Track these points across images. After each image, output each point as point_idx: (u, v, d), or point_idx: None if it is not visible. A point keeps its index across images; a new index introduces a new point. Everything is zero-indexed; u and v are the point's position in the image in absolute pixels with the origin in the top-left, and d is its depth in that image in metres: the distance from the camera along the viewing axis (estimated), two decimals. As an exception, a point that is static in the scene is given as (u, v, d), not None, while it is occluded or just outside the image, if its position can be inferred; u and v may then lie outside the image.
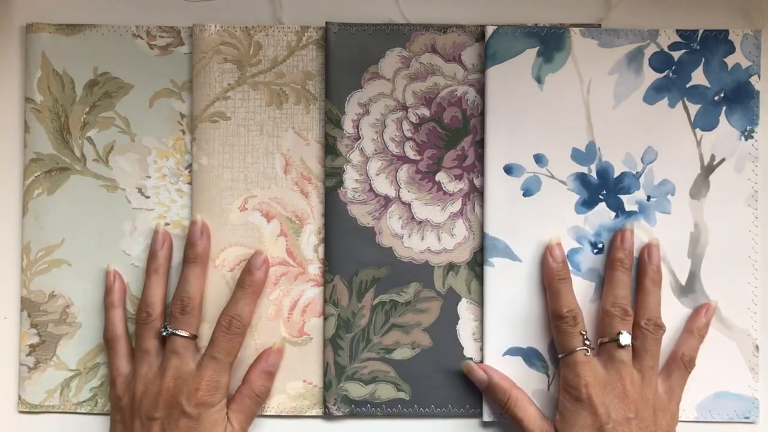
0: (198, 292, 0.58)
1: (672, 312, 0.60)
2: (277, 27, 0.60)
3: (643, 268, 0.59)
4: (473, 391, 0.60)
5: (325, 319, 0.60)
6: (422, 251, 0.60)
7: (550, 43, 0.60)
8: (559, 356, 0.57)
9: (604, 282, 0.59)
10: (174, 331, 0.57)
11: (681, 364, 0.58)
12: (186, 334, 0.57)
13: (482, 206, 0.60)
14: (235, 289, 0.58)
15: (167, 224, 0.61)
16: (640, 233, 0.60)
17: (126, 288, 0.60)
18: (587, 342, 0.56)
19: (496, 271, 0.59)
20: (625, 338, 0.56)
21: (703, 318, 0.59)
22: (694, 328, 0.59)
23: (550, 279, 0.58)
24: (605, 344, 0.57)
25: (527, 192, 0.60)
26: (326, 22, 0.60)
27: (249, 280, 0.58)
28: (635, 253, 0.59)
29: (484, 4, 0.62)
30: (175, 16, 0.61)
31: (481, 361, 0.60)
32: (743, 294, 0.60)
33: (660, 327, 0.57)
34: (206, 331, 0.59)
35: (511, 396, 0.57)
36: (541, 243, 0.59)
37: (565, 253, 0.59)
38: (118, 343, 0.58)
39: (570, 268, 0.59)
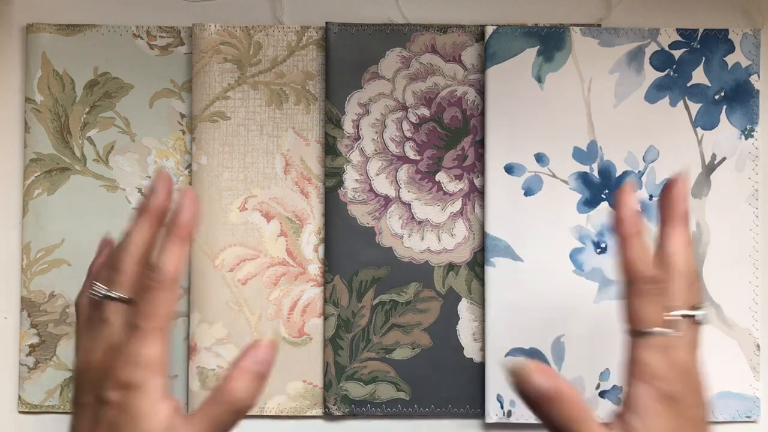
0: (136, 249, 0.44)
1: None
2: (277, 27, 0.61)
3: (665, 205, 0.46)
4: (473, 391, 0.60)
5: (325, 319, 0.60)
6: (422, 251, 0.60)
7: (551, 42, 0.60)
8: (636, 334, 0.43)
9: (659, 240, 0.46)
10: (102, 291, 0.44)
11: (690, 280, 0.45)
12: (116, 296, 0.44)
13: (482, 206, 0.60)
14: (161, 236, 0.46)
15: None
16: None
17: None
18: (679, 314, 0.43)
19: (497, 271, 0.59)
20: (703, 312, 0.44)
21: (676, 196, 0.45)
22: (678, 214, 0.45)
23: (625, 231, 0.44)
24: (681, 319, 0.43)
25: (528, 191, 0.60)
26: (326, 22, 0.60)
27: (173, 225, 0.44)
28: None
29: (484, 4, 0.62)
30: (175, 16, 0.61)
31: (483, 363, 0.59)
32: (744, 293, 0.60)
33: (698, 279, 0.47)
34: (206, 329, 0.59)
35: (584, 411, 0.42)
36: (542, 243, 0.59)
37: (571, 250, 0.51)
38: (79, 307, 0.47)
39: (573, 268, 0.59)
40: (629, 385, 0.42)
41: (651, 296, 0.43)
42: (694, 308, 0.43)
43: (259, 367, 0.43)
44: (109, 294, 0.44)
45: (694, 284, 0.44)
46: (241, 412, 0.43)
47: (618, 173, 0.60)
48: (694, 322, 0.43)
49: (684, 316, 0.43)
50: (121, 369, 0.41)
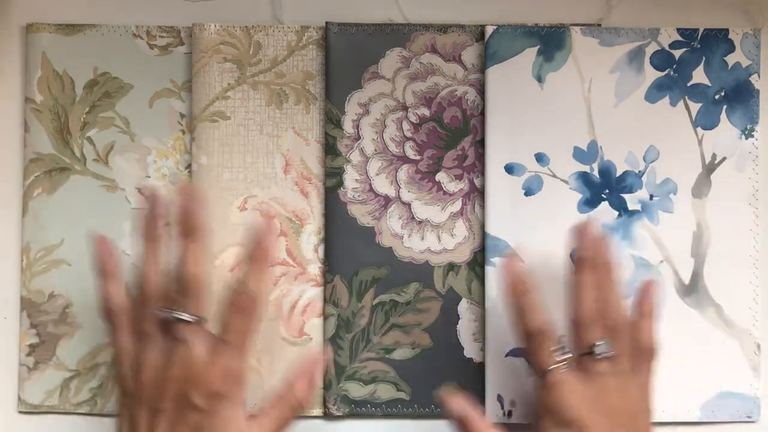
0: (200, 271, 0.50)
1: (677, 312, 0.59)
2: (277, 27, 0.60)
3: (599, 259, 0.53)
4: (473, 392, 0.59)
5: (325, 319, 0.60)
6: (422, 251, 0.60)
7: (551, 42, 0.60)
8: (534, 377, 0.53)
9: (569, 287, 0.54)
10: (178, 316, 0.50)
11: (645, 354, 0.53)
12: (189, 319, 0.50)
13: (483, 206, 0.60)
14: (242, 261, 0.52)
15: (167, 224, 0.60)
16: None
17: (119, 256, 0.54)
18: (565, 356, 0.51)
19: (497, 271, 0.59)
20: (602, 348, 0.51)
21: (649, 297, 0.54)
22: (646, 311, 0.54)
23: (512, 295, 0.53)
24: (581, 357, 0.51)
25: (528, 191, 0.60)
26: (326, 22, 0.60)
27: (257, 251, 0.51)
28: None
29: (484, 4, 0.62)
30: (175, 16, 0.61)
31: (483, 363, 0.59)
32: (745, 293, 0.60)
33: (629, 323, 0.53)
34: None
35: None
36: (542, 243, 0.59)
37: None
38: (117, 316, 0.52)
39: (573, 268, 0.59)
40: (539, 421, 0.51)
41: (537, 346, 0.51)
42: (588, 347, 0.51)
43: (316, 378, 0.53)
44: (183, 317, 0.50)
45: (590, 326, 0.52)
46: (300, 412, 0.51)
47: (618, 173, 0.60)
48: (595, 359, 0.51)
49: (570, 357, 0.51)
50: (215, 380, 0.48)
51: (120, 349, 0.52)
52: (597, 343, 0.51)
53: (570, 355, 0.51)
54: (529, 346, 0.52)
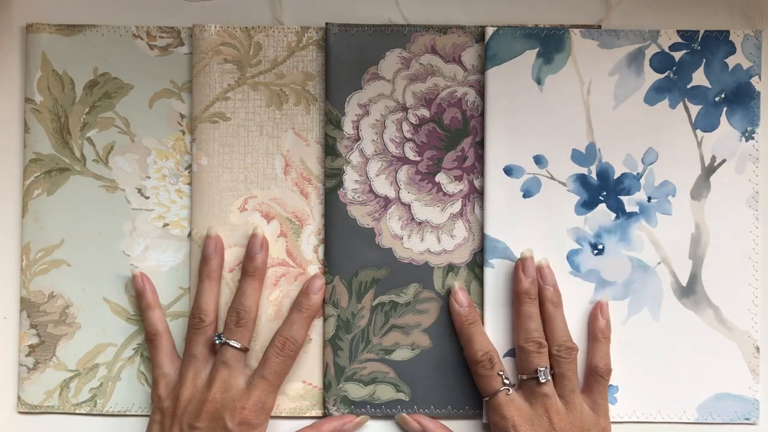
0: (254, 306, 0.57)
1: (674, 314, 0.60)
2: (277, 27, 0.60)
3: (540, 292, 0.58)
4: (473, 393, 0.60)
5: (324, 319, 0.60)
6: (422, 252, 0.60)
7: (550, 44, 0.60)
8: (484, 399, 0.58)
9: (514, 316, 0.58)
10: (227, 341, 0.56)
11: (597, 376, 0.58)
12: (239, 346, 0.56)
13: (482, 207, 0.60)
14: (290, 310, 0.58)
15: (166, 225, 0.61)
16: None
17: (154, 287, 0.60)
18: (506, 381, 0.57)
19: (496, 272, 0.59)
20: (544, 375, 0.56)
21: (601, 320, 0.59)
22: (598, 333, 0.59)
23: (460, 325, 0.58)
24: (526, 380, 0.57)
25: (527, 193, 0.60)
26: (326, 23, 0.60)
27: (306, 304, 0.58)
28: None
29: (484, 5, 0.62)
30: (175, 17, 0.61)
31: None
32: (744, 295, 0.60)
33: (572, 349, 0.57)
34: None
35: None
36: (540, 244, 0.59)
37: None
38: (160, 340, 0.58)
39: (570, 269, 0.59)
40: None
41: (482, 373, 0.57)
42: (531, 373, 0.56)
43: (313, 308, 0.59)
44: (233, 344, 0.56)
45: (533, 352, 0.56)
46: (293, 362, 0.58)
47: (616, 175, 0.60)
48: (539, 382, 0.56)
49: (510, 383, 0.57)
50: (249, 410, 0.55)
51: (159, 370, 0.58)
52: (539, 369, 0.56)
53: (510, 381, 0.57)
54: (476, 373, 0.58)
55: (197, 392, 0.56)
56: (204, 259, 0.59)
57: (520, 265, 0.58)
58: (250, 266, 0.58)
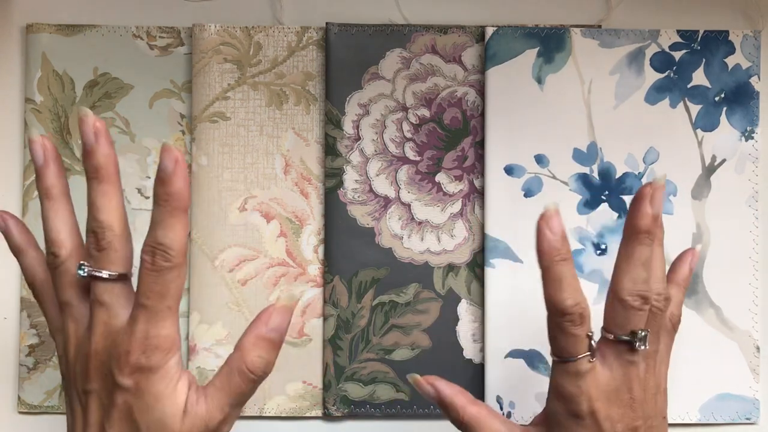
0: (115, 217, 0.42)
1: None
2: (277, 27, 0.60)
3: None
4: (473, 393, 0.59)
5: (324, 319, 0.60)
6: (422, 252, 0.60)
7: (551, 43, 0.60)
8: (554, 359, 0.46)
9: (618, 256, 0.46)
10: (92, 272, 0.42)
11: (669, 324, 0.48)
12: (107, 275, 0.42)
13: (482, 207, 0.60)
14: (152, 209, 0.42)
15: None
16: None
17: (27, 227, 0.48)
18: (593, 344, 0.44)
19: (496, 272, 0.59)
20: (643, 342, 0.44)
21: (687, 266, 0.50)
22: (680, 280, 0.49)
23: (549, 260, 0.44)
24: (614, 341, 0.45)
25: (528, 193, 0.60)
26: (326, 23, 0.60)
27: (164, 193, 0.41)
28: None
29: (484, 5, 0.62)
30: (175, 16, 0.61)
31: (482, 364, 0.59)
32: (744, 295, 0.60)
33: (669, 300, 0.47)
34: (206, 330, 0.59)
35: (466, 414, 0.48)
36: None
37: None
38: (41, 289, 0.46)
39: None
40: (548, 401, 0.46)
41: (566, 329, 0.44)
42: (626, 334, 0.45)
43: (273, 334, 0.43)
44: (100, 274, 0.42)
45: (635, 309, 0.45)
46: (256, 381, 0.43)
47: (618, 174, 0.60)
48: (631, 347, 0.45)
49: (598, 345, 0.45)
50: (135, 352, 0.41)
51: (50, 324, 0.46)
52: (640, 332, 0.45)
53: (594, 344, 0.45)
54: (559, 327, 0.44)
55: (81, 346, 0.43)
56: (36, 173, 0.44)
57: (646, 195, 0.44)
58: (91, 165, 0.42)
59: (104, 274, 0.42)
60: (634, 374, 0.45)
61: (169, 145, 0.40)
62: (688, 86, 0.60)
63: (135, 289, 0.42)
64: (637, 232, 0.45)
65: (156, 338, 0.41)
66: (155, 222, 0.41)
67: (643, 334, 0.45)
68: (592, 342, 0.44)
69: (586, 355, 0.44)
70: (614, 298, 0.46)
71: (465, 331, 0.60)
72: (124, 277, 0.42)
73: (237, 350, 0.43)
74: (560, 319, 0.44)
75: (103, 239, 0.42)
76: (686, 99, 0.60)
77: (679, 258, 0.51)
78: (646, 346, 0.45)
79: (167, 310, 0.41)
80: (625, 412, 0.45)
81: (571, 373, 0.45)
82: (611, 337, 0.45)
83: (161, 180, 0.41)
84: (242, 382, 0.42)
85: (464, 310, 0.60)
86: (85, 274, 0.42)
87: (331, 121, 0.60)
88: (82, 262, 0.42)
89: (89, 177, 0.42)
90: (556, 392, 0.46)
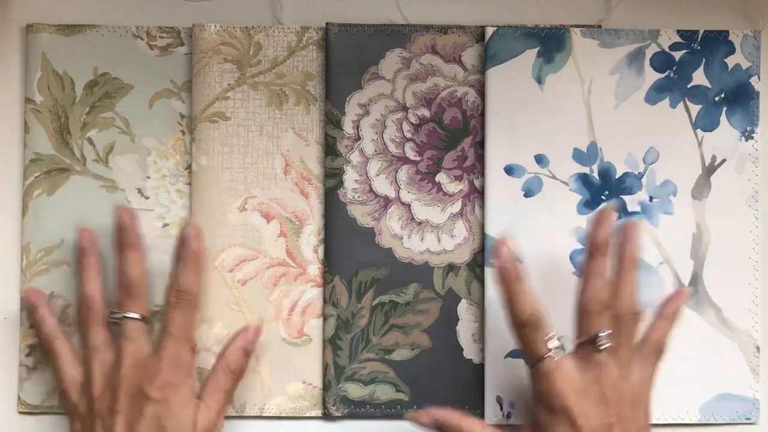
0: (140, 276, 0.55)
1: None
2: (277, 27, 0.60)
3: (622, 248, 0.54)
4: (473, 393, 0.59)
5: (324, 319, 0.60)
6: (422, 252, 0.60)
7: (551, 43, 0.60)
8: (528, 368, 0.53)
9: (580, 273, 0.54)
10: (125, 315, 0.54)
11: (654, 350, 0.53)
12: (138, 316, 0.54)
13: (482, 207, 0.60)
14: (173, 263, 0.55)
15: (166, 225, 0.60)
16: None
17: (47, 300, 0.59)
18: (556, 343, 0.52)
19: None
20: (605, 338, 0.51)
21: (676, 303, 0.55)
22: (668, 313, 0.55)
23: (504, 282, 0.52)
24: (582, 344, 0.52)
25: (528, 193, 0.60)
26: (326, 23, 0.60)
27: (186, 253, 0.55)
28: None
29: (484, 5, 0.62)
30: (175, 16, 0.61)
31: (482, 364, 0.59)
32: (744, 295, 0.60)
33: (638, 315, 0.52)
34: (206, 330, 0.59)
35: (464, 425, 0.53)
36: (542, 244, 0.59)
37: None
38: (57, 344, 0.56)
39: (572, 269, 0.59)
40: (533, 407, 0.53)
41: (527, 336, 0.52)
42: (590, 336, 0.51)
43: (249, 345, 0.57)
44: (130, 316, 0.54)
45: (595, 314, 0.52)
46: (237, 379, 0.56)
47: (618, 174, 0.60)
48: (596, 348, 0.51)
49: (561, 346, 0.52)
50: (165, 372, 0.52)
51: (66, 380, 0.55)
52: (600, 333, 0.51)
53: (559, 343, 0.52)
54: (520, 335, 0.52)
55: (108, 381, 0.53)
56: (79, 250, 0.57)
57: (598, 218, 0.53)
58: (123, 237, 0.56)
59: (136, 315, 0.54)
60: (605, 375, 0.51)
61: (193, 222, 0.57)
62: (688, 86, 0.60)
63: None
64: (592, 247, 0.53)
65: (180, 359, 0.53)
66: (177, 272, 0.55)
67: (604, 333, 0.51)
68: (553, 342, 0.51)
69: (549, 355, 0.51)
70: (578, 308, 0.53)
71: (465, 331, 0.60)
72: (146, 321, 0.55)
73: (219, 358, 0.56)
74: (521, 328, 0.52)
75: (133, 291, 0.54)
76: (686, 99, 0.60)
77: (670, 295, 0.56)
78: (610, 342, 0.51)
79: (187, 340, 0.54)
80: (599, 409, 0.50)
81: (541, 373, 0.51)
82: (582, 341, 0.52)
83: (183, 242, 0.55)
84: (227, 379, 0.55)
85: (464, 310, 0.60)
86: (120, 316, 0.54)
87: (331, 121, 0.60)
88: (114, 310, 0.54)
89: (120, 245, 0.55)
90: (535, 395, 0.52)
